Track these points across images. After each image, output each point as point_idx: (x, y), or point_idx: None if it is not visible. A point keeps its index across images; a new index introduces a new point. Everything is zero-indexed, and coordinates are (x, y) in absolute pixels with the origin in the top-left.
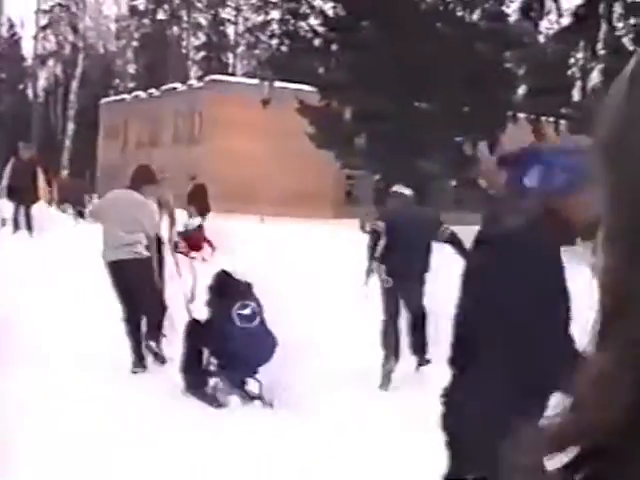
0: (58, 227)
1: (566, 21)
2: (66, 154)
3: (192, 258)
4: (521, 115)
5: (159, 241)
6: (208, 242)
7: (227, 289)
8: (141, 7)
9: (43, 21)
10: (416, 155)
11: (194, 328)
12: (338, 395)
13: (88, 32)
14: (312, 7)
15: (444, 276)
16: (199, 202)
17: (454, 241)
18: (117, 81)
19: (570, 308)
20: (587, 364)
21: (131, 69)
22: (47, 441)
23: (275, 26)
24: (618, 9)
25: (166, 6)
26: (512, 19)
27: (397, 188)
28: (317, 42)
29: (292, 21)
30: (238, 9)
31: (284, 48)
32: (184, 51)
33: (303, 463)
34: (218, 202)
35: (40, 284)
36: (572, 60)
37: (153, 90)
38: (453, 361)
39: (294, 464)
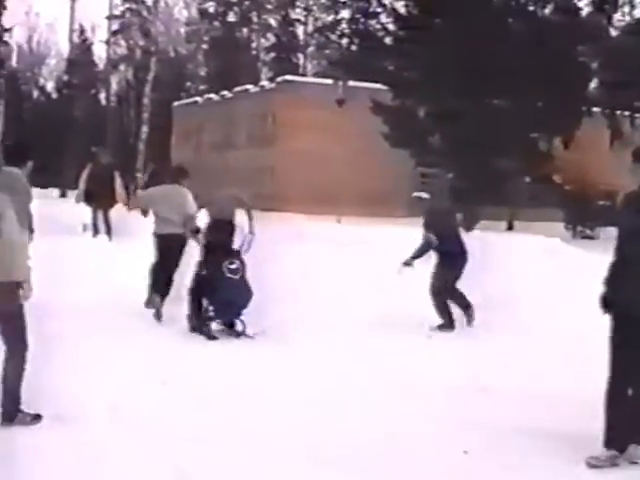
0: (136, 231)
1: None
2: (141, 158)
3: None
4: (596, 109)
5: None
6: None
7: (221, 251)
8: (211, 10)
9: (114, 26)
10: (490, 152)
11: (196, 285)
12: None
13: (159, 36)
14: (383, 5)
15: None
16: None
17: None
18: (189, 84)
19: None
20: None
21: (202, 72)
22: None
23: (345, 25)
24: None
25: (236, 8)
26: (584, 12)
27: (417, 194)
28: (388, 40)
29: (362, 20)
30: (308, 9)
31: (354, 47)
32: (254, 52)
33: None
34: (294, 203)
35: (119, 287)
36: None
37: (225, 92)
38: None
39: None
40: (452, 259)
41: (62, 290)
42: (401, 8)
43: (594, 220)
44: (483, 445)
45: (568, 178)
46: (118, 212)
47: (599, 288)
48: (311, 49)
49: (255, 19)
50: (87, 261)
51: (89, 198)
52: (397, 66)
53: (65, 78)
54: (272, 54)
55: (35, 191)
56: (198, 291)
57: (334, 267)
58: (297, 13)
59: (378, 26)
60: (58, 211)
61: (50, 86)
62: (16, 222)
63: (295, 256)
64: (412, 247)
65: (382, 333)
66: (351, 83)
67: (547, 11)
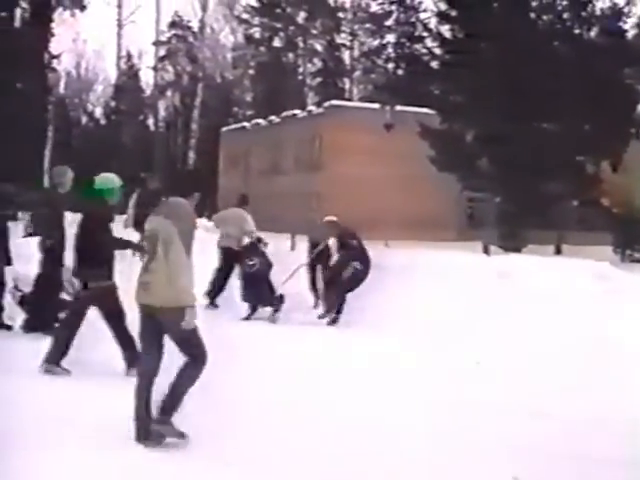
0: None
1: None
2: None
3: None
4: None
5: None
6: None
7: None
8: (257, 35)
9: (161, 52)
10: (538, 176)
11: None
12: None
13: (206, 62)
14: (428, 29)
15: None
16: None
17: None
18: (235, 109)
19: None
20: None
21: (248, 97)
22: None
23: (391, 50)
24: None
25: (282, 33)
26: (630, 35)
27: None
28: (434, 64)
29: (408, 44)
30: (353, 34)
31: (400, 72)
32: (300, 77)
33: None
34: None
35: None
36: None
37: (273, 117)
38: None
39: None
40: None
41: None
42: (446, 32)
43: None
44: (533, 471)
45: (616, 201)
46: None
47: None
48: (357, 74)
49: (301, 44)
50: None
51: (137, 224)
52: (444, 90)
53: (113, 104)
54: (318, 79)
55: None
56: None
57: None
58: (343, 38)
59: (424, 50)
60: None
61: (98, 112)
62: (182, 250)
63: None
64: (461, 270)
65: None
66: (398, 107)
67: (593, 34)
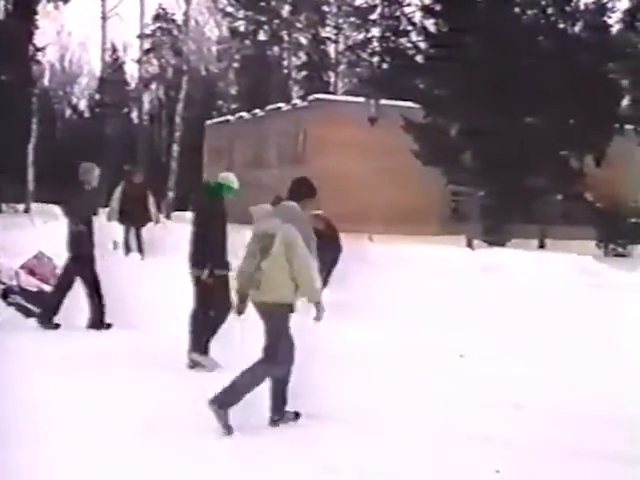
0: (168, 249)
1: None
2: (173, 177)
3: None
4: (627, 127)
5: None
6: None
7: None
8: (242, 29)
9: (146, 45)
10: (522, 170)
11: None
12: None
13: (190, 55)
14: (413, 23)
15: None
16: None
17: None
18: (220, 102)
19: None
20: None
21: (233, 90)
22: None
23: (375, 43)
24: None
25: (266, 27)
26: (615, 29)
27: None
28: (419, 58)
29: (393, 38)
30: (338, 28)
31: (385, 65)
32: (285, 71)
33: None
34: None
35: (151, 304)
36: None
37: (257, 110)
38: None
39: None
40: None
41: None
42: (431, 26)
43: (626, 238)
44: (514, 464)
45: (600, 196)
46: (149, 230)
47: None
48: (342, 67)
49: (286, 37)
50: (118, 279)
51: (122, 216)
52: (428, 84)
53: (97, 97)
54: (303, 72)
55: None
56: None
57: (368, 284)
58: (327, 31)
59: (409, 44)
60: None
61: (82, 105)
62: (307, 251)
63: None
64: (445, 264)
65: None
66: (382, 101)
67: (577, 29)
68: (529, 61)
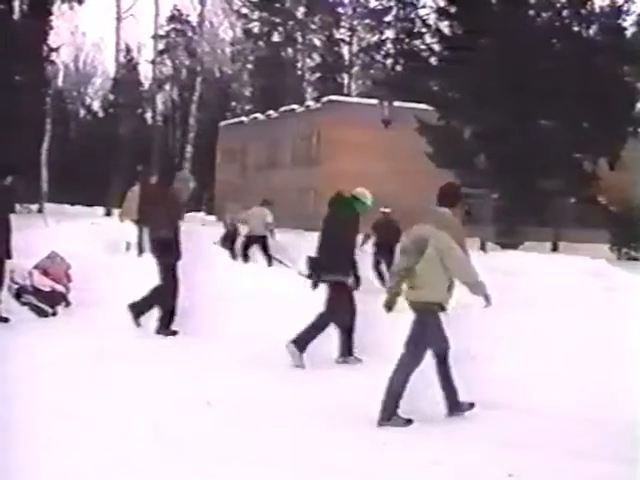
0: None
1: None
2: None
3: None
4: None
5: None
6: None
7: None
8: (256, 30)
9: (160, 46)
10: (535, 173)
11: None
12: None
13: (204, 56)
14: (427, 26)
15: None
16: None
17: None
18: (234, 104)
19: None
20: None
21: (247, 91)
22: None
23: (390, 45)
24: None
25: (280, 28)
26: (629, 32)
27: None
28: (433, 60)
29: (407, 40)
30: (352, 29)
31: (399, 67)
32: (299, 72)
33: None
34: None
35: None
36: None
37: (271, 112)
38: None
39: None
40: None
41: (102, 308)
42: (445, 28)
43: (639, 241)
44: (528, 468)
45: (613, 199)
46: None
47: None
48: (356, 69)
49: (300, 39)
50: (131, 280)
51: (141, 218)
52: (442, 86)
53: (111, 97)
54: (317, 74)
55: (80, 209)
56: None
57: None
58: (342, 33)
59: (423, 46)
60: (103, 229)
61: (96, 105)
62: (461, 255)
63: None
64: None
65: None
66: (396, 103)
67: (592, 31)
68: (543, 64)
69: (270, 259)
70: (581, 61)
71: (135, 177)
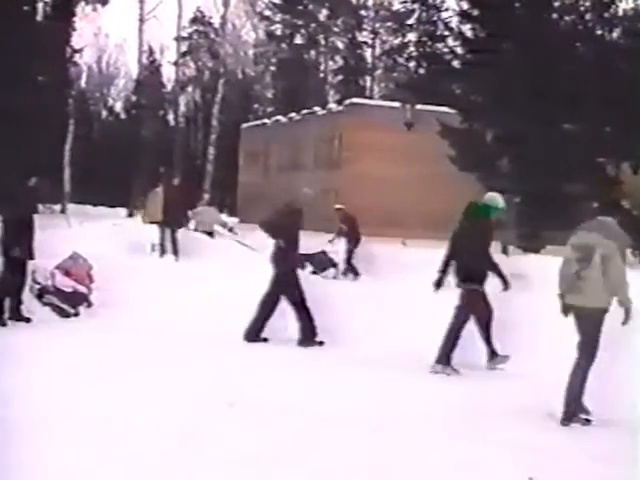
0: (203, 251)
1: None
2: (208, 179)
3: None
4: None
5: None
6: None
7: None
8: (278, 32)
9: (183, 48)
10: (557, 177)
11: None
12: None
13: (227, 58)
14: (450, 29)
15: None
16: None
17: None
18: (256, 106)
19: None
20: None
21: (269, 93)
22: None
23: (412, 48)
24: None
25: (303, 31)
26: None
27: None
28: (456, 63)
29: (429, 43)
30: (375, 32)
31: (422, 70)
32: (322, 75)
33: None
34: (360, 226)
35: (182, 307)
36: None
37: (293, 114)
38: None
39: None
40: None
41: (124, 309)
42: (468, 31)
43: None
44: (548, 472)
45: (636, 203)
46: (184, 233)
47: None
48: (378, 72)
49: (322, 42)
50: (153, 281)
51: (167, 219)
52: (465, 89)
53: (134, 99)
54: (339, 76)
55: (103, 210)
56: None
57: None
58: (364, 36)
59: (445, 49)
60: (125, 230)
61: (119, 106)
62: (621, 262)
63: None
64: None
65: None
66: (418, 106)
67: (615, 35)
68: (566, 67)
69: None
70: (604, 65)
71: (158, 179)
